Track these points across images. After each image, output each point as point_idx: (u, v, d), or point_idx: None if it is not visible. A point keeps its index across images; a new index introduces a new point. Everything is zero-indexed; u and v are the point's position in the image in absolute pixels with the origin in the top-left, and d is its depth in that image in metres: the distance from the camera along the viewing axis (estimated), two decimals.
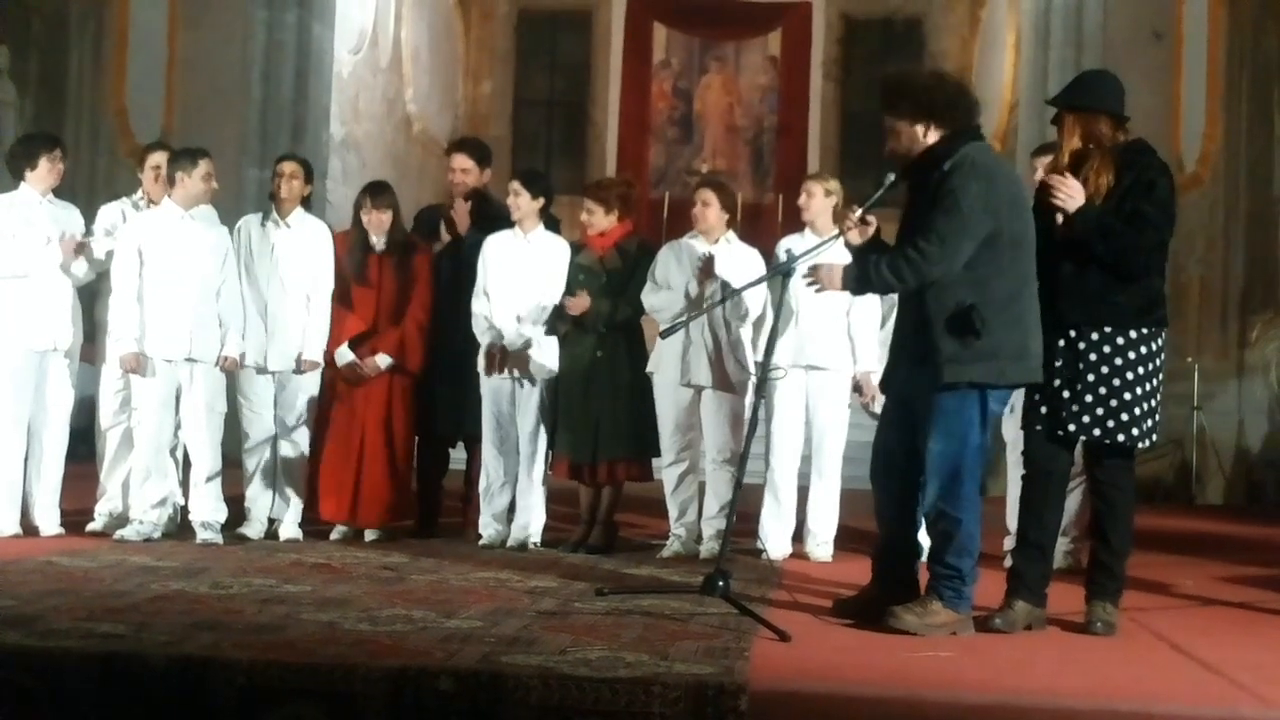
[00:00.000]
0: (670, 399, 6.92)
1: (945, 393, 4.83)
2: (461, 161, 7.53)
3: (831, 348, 6.97)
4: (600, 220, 7.08)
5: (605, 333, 6.98)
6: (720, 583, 4.96)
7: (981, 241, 4.78)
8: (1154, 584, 6.21)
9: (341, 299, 7.14)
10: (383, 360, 7.06)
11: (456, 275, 7.25)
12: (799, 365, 6.94)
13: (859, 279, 5.01)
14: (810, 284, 5.15)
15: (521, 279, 7.05)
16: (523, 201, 7.10)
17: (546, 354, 7.02)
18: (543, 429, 7.06)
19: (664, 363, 6.92)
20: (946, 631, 4.79)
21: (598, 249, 7.10)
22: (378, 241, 7.14)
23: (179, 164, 6.85)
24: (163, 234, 6.75)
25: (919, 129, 4.95)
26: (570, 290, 6.98)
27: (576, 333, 7.00)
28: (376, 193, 7.20)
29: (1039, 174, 6.62)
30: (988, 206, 4.78)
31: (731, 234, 7.04)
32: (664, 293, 6.91)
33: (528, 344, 6.99)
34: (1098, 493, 5.15)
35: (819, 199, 7.01)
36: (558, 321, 7.03)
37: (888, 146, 5.07)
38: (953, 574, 4.88)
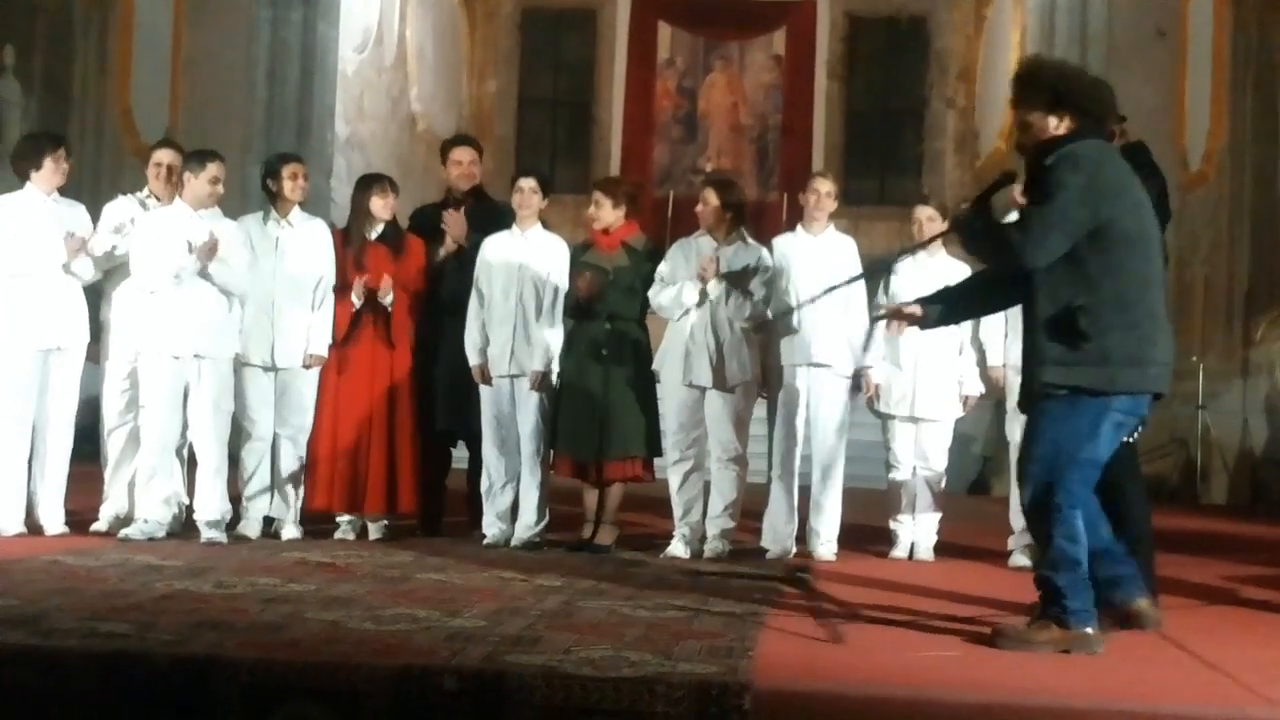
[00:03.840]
0: (675, 398, 6.92)
1: (1049, 400, 4.59)
2: (466, 154, 7.58)
3: (831, 345, 6.96)
4: (607, 214, 7.08)
5: (611, 329, 6.98)
6: (801, 575, 4.87)
7: (1088, 238, 4.55)
8: (1159, 583, 6.18)
9: (341, 291, 7.17)
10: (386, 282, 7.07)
11: (462, 278, 7.26)
12: (798, 363, 6.96)
13: (969, 225, 4.76)
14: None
15: (521, 276, 7.06)
16: (536, 200, 7.13)
17: (545, 354, 7.03)
18: (543, 428, 7.06)
19: (668, 362, 6.93)
20: (1053, 648, 4.55)
21: (605, 247, 7.09)
22: (374, 230, 7.20)
23: (188, 165, 6.87)
24: (171, 233, 6.74)
25: (1052, 120, 4.71)
26: (573, 287, 7.00)
27: (581, 328, 7.01)
28: (391, 182, 7.36)
29: None
30: (1086, 200, 4.55)
31: (743, 231, 7.04)
32: (670, 290, 6.91)
33: (527, 347, 7.02)
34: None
35: (824, 196, 7.09)
36: (566, 315, 7.06)
37: (1016, 141, 4.87)
38: (1047, 585, 4.64)
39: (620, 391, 6.95)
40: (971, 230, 4.79)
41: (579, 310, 7.03)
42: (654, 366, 7.00)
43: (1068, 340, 4.53)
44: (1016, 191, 5.23)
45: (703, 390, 6.89)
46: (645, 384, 7.00)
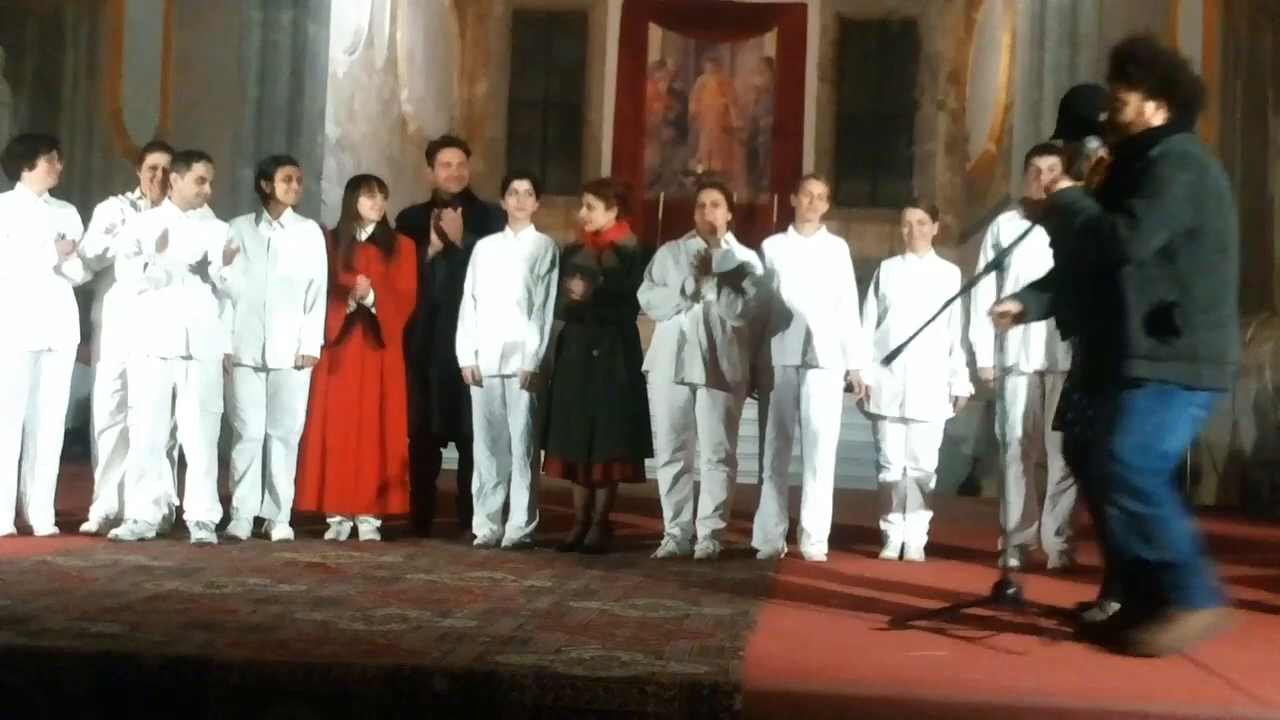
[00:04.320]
0: (665, 398, 6.92)
1: (1135, 390, 4.54)
2: (455, 156, 7.61)
3: (824, 346, 6.97)
4: (599, 217, 7.08)
5: (602, 330, 6.98)
6: (1010, 590, 4.84)
7: (1184, 236, 4.54)
8: None
9: (332, 293, 7.16)
10: (362, 283, 7.03)
11: (453, 279, 7.26)
12: (790, 364, 6.97)
13: (1071, 206, 4.66)
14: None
15: (513, 278, 7.07)
16: (531, 202, 7.15)
17: (537, 354, 7.03)
18: (534, 428, 7.06)
19: (659, 361, 6.93)
20: (1201, 637, 4.48)
21: (594, 248, 7.10)
22: (364, 231, 7.19)
23: (175, 165, 6.87)
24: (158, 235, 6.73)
25: (1149, 105, 4.65)
26: (563, 288, 7.01)
27: (572, 329, 7.01)
28: (379, 183, 7.32)
29: (1032, 173, 6.69)
30: (1192, 198, 4.54)
31: (730, 235, 7.05)
32: (659, 289, 6.92)
33: (516, 351, 7.02)
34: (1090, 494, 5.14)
35: (817, 199, 7.10)
36: (557, 316, 7.06)
37: (1108, 117, 4.78)
38: (1167, 570, 4.52)
39: (610, 392, 6.95)
40: (1073, 213, 4.65)
41: (570, 311, 7.04)
42: (644, 367, 7.00)
43: (1159, 335, 4.53)
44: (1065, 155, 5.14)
45: (694, 389, 6.89)
46: (636, 385, 6.99)
